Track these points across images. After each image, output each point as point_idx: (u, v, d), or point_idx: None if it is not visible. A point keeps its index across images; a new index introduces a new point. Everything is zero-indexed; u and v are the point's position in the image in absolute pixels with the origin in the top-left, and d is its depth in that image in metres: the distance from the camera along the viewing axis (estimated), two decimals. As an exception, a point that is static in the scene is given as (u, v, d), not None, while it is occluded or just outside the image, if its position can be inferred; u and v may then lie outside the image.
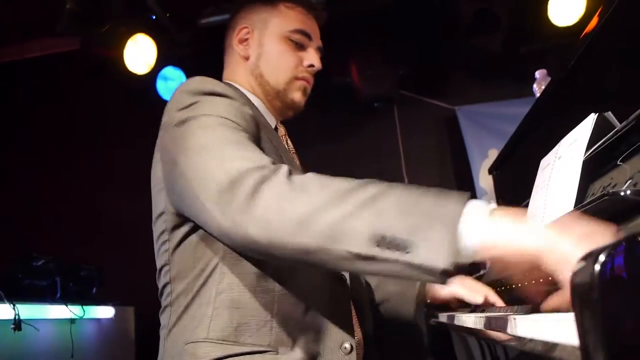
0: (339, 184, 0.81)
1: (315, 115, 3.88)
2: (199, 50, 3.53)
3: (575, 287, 0.45)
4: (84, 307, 2.86)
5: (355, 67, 3.57)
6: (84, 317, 2.84)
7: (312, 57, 1.27)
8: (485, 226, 0.70)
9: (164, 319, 1.13)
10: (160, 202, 1.13)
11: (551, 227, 0.67)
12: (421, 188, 0.78)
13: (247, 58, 1.27)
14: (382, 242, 0.72)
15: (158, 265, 1.16)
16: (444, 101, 3.88)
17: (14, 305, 2.35)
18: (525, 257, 0.68)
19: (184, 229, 1.07)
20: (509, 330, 0.82)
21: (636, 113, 0.99)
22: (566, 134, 1.31)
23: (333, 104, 3.76)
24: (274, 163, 0.90)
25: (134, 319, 3.33)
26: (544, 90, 1.70)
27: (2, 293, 2.37)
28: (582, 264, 0.44)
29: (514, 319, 0.73)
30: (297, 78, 1.26)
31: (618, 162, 1.06)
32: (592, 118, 1.17)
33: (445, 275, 0.69)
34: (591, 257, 0.42)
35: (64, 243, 3.12)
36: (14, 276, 2.62)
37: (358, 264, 0.76)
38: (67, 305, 2.73)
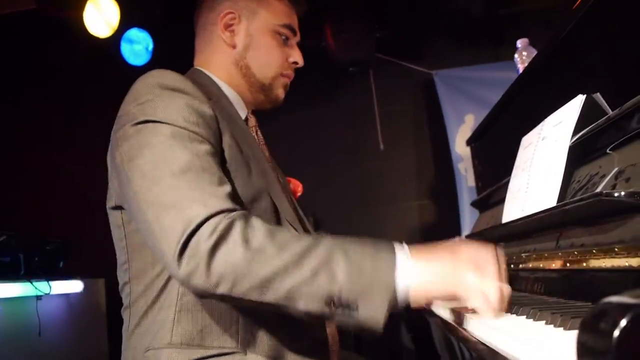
0: (293, 245, 0.85)
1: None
2: (167, 10, 3.33)
3: (586, 346, 0.38)
4: (50, 282, 2.76)
5: (330, 30, 3.43)
6: (51, 292, 2.75)
7: (296, 55, 1.26)
8: (409, 285, 0.83)
9: (124, 318, 1.10)
10: (114, 194, 1.06)
11: (453, 275, 0.85)
12: (357, 244, 0.87)
13: (233, 46, 1.21)
14: (334, 303, 0.82)
15: (118, 261, 1.10)
16: (421, 65, 3.77)
17: (-27, 286, 2.25)
18: (446, 296, 0.86)
19: None
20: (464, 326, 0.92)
21: (632, 101, 0.92)
22: (551, 111, 1.24)
23: (306, 68, 3.63)
24: (228, 195, 0.90)
25: (105, 292, 3.25)
26: (530, 64, 1.61)
27: (-40, 272, 2.26)
28: (597, 322, 0.37)
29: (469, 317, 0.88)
30: (282, 75, 1.24)
31: (607, 151, 1.00)
32: (579, 99, 1.10)
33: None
34: (608, 317, 0.35)
35: (27, 218, 2.98)
36: (-27, 254, 2.50)
37: (312, 317, 0.85)
38: (31, 282, 2.63)
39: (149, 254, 1.01)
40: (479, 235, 1.59)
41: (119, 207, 1.05)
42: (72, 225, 3.18)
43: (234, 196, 0.92)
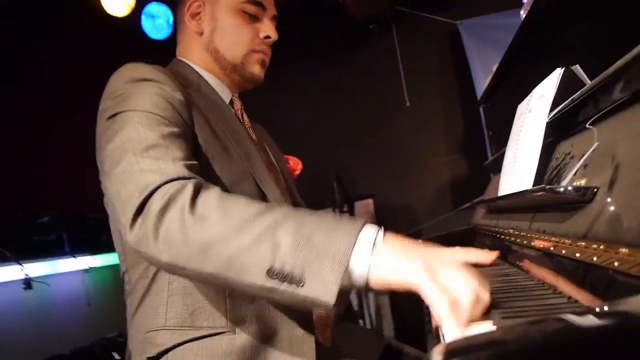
0: (240, 211, 0.81)
1: (308, 42, 3.74)
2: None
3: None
4: (94, 256, 2.95)
5: (345, -13, 3.35)
6: (96, 265, 2.93)
7: (267, 29, 1.25)
8: (370, 264, 0.75)
9: (127, 304, 1.18)
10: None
11: (424, 265, 0.73)
12: (317, 216, 0.80)
13: (200, 33, 1.24)
14: (278, 275, 0.76)
15: (117, 252, 1.18)
16: (445, 16, 3.64)
17: (21, 265, 2.43)
18: (404, 288, 0.75)
19: None
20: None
21: (605, 73, 0.88)
22: (553, 66, 1.19)
23: (325, 29, 3.58)
24: (188, 167, 0.90)
25: (149, 260, 3.41)
26: (527, 16, 1.54)
27: (8, 254, 2.45)
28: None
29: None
30: (254, 51, 1.24)
31: (587, 126, 0.97)
32: (557, 73, 1.06)
33: (334, 305, 0.75)
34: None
35: (68, 195, 3.15)
36: (21, 235, 2.68)
37: (257, 292, 0.79)
38: (75, 257, 2.81)
39: None
40: (482, 205, 1.58)
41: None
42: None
43: (199, 171, 0.93)
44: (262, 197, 1.12)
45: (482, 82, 3.52)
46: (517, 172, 1.18)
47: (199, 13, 1.23)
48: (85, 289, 2.87)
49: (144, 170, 0.88)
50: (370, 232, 0.77)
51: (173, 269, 0.85)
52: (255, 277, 0.77)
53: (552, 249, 0.85)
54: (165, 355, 1.00)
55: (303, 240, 0.76)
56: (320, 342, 1.14)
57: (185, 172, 0.89)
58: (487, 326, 0.70)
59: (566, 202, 0.78)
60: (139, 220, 0.84)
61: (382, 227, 0.81)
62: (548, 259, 0.89)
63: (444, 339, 0.72)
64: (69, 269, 2.80)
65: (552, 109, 1.07)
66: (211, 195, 0.85)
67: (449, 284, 0.71)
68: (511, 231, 1.18)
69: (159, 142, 0.93)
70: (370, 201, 3.62)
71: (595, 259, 0.67)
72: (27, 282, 2.43)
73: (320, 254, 0.75)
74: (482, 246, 1.50)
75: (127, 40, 3.47)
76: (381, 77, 3.77)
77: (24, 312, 2.47)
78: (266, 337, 1.02)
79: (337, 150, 3.73)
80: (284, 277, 0.75)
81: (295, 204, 1.29)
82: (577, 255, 0.73)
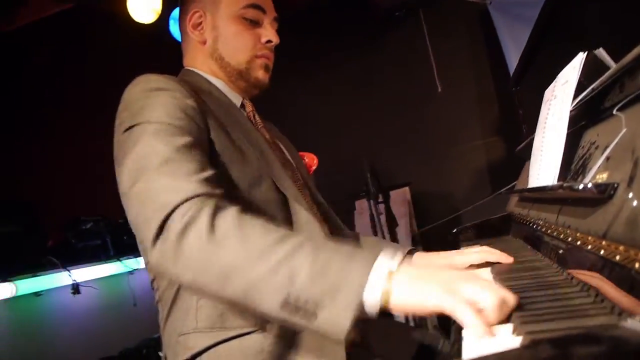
0: (257, 238, 0.82)
1: (335, 34, 3.73)
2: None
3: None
4: (138, 258, 3.04)
5: (368, -24, 3.31)
6: (141, 267, 3.02)
7: (269, 33, 1.25)
8: (386, 293, 0.73)
9: (159, 310, 1.20)
10: None
11: (442, 286, 0.71)
12: (334, 245, 0.80)
13: (204, 43, 1.26)
14: (292, 307, 0.76)
15: (143, 261, 1.20)
16: (473, -5, 3.54)
17: (69, 272, 2.54)
18: (428, 312, 0.73)
19: None
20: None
21: (632, 54, 0.84)
22: (582, 44, 1.14)
23: (352, 19, 3.55)
24: (205, 181, 0.90)
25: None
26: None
27: (57, 261, 2.56)
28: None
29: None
30: (257, 56, 1.25)
31: (614, 112, 0.93)
32: (580, 58, 1.02)
33: (346, 338, 0.74)
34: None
35: (110, 201, 3.25)
36: (68, 243, 2.79)
37: (272, 319, 0.80)
38: (121, 261, 2.91)
39: None
40: (514, 193, 1.55)
41: None
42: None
43: (217, 181, 0.93)
44: (280, 196, 1.12)
45: (515, 62, 3.41)
46: (544, 160, 1.15)
47: (200, 23, 1.25)
48: (130, 290, 2.97)
49: (160, 189, 0.88)
50: (384, 262, 0.76)
51: (195, 290, 0.87)
52: (270, 306, 0.77)
53: (578, 243, 0.83)
54: (199, 358, 1.02)
55: (318, 273, 0.75)
56: (352, 339, 1.15)
57: (201, 188, 0.89)
58: (507, 328, 0.68)
59: (587, 198, 0.75)
60: (159, 241, 0.84)
61: (402, 251, 0.83)
62: (576, 253, 0.86)
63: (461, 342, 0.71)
64: (115, 272, 2.90)
65: (578, 94, 1.04)
66: (229, 218, 0.85)
67: (472, 296, 0.69)
68: (540, 222, 1.15)
69: (173, 157, 0.93)
70: (406, 189, 3.59)
71: (617, 257, 0.64)
72: (75, 287, 2.54)
73: (334, 287, 0.74)
74: (517, 234, 1.47)
75: (157, 46, 3.54)
76: (411, 63, 3.71)
77: (73, 317, 2.58)
78: (296, 335, 1.03)
79: (371, 140, 3.71)
80: (298, 309, 0.75)
81: (313, 200, 1.29)
82: (602, 252, 0.71)
